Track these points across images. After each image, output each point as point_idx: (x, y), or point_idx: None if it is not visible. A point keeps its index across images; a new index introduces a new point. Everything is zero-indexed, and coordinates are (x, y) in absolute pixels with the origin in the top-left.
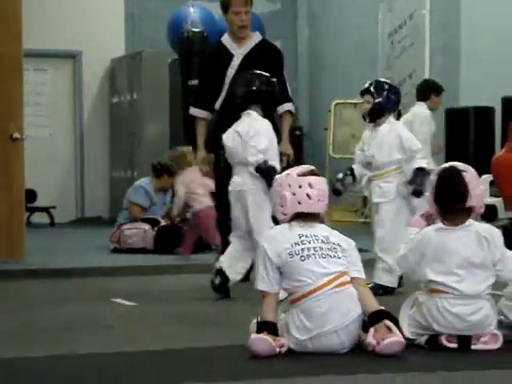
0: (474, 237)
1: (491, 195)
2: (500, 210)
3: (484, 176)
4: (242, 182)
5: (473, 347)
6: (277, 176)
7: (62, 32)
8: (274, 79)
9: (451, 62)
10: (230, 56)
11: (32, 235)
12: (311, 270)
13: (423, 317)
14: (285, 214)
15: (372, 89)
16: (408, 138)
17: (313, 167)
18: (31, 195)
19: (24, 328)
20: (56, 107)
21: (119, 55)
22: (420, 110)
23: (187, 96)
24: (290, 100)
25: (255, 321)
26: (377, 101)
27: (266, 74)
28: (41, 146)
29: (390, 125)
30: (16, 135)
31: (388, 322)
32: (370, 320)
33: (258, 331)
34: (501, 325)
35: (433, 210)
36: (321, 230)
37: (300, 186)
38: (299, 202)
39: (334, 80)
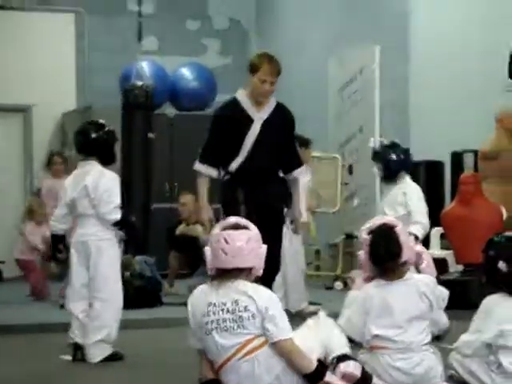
0: (414, 290)
1: (442, 248)
2: (450, 262)
3: (434, 229)
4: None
5: None
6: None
7: (12, 86)
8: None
9: (401, 117)
10: (251, 120)
11: None
12: (215, 344)
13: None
14: (211, 269)
15: (378, 154)
16: (409, 198)
17: (239, 220)
18: None
19: None
20: (6, 161)
21: (70, 109)
22: None
23: (129, 150)
24: (301, 165)
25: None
26: (385, 163)
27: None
28: None
29: (403, 184)
30: None
31: (328, 379)
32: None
33: None
34: (451, 379)
35: (368, 269)
36: (234, 291)
37: (217, 241)
38: (216, 257)
39: None
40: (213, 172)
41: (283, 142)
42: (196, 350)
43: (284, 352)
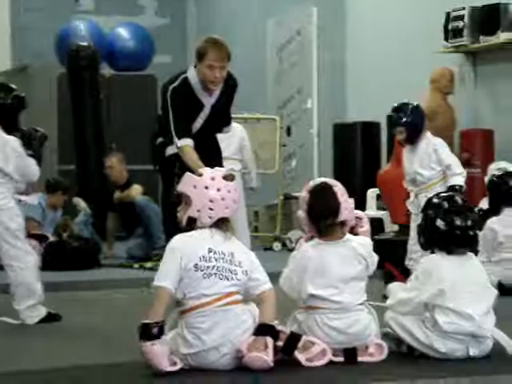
0: (351, 251)
1: (378, 208)
2: (386, 222)
3: (370, 190)
4: None
5: (359, 359)
6: (196, 176)
7: None
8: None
9: (338, 79)
10: (201, 106)
11: None
12: (207, 287)
13: (305, 334)
14: (210, 217)
15: (397, 118)
16: (441, 152)
17: (230, 171)
18: None
19: None
20: None
21: (5, 69)
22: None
23: (80, 111)
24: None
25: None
26: (407, 125)
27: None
28: None
29: (427, 140)
30: None
31: (267, 339)
32: (255, 331)
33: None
34: (387, 337)
35: (308, 227)
36: (230, 244)
37: (229, 191)
38: (226, 207)
39: None
40: (192, 142)
41: (227, 108)
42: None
43: (267, 301)
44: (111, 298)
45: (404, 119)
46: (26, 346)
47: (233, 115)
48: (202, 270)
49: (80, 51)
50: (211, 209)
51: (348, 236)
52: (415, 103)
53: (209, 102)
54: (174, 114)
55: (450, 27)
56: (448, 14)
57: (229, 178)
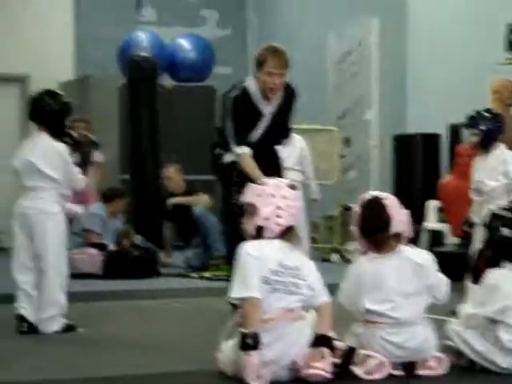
0: (407, 263)
1: (438, 221)
2: (446, 235)
3: (431, 201)
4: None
5: (419, 373)
6: (257, 185)
7: (9, 55)
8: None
9: (398, 89)
10: (260, 115)
11: None
12: (273, 302)
13: (363, 348)
14: (278, 225)
15: (476, 121)
16: (510, 165)
17: (293, 182)
18: None
19: None
20: (3, 131)
21: (67, 79)
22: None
23: (137, 122)
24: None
25: (229, 345)
26: (484, 130)
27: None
28: None
29: (500, 151)
30: None
31: (324, 350)
32: (312, 342)
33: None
34: (448, 350)
35: (361, 241)
36: (295, 256)
37: (294, 199)
38: (293, 215)
39: None
40: (250, 151)
41: (286, 118)
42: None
43: (325, 312)
44: (170, 307)
45: (481, 125)
46: (91, 354)
47: (296, 126)
48: (269, 284)
49: (138, 62)
50: (279, 216)
51: (403, 247)
52: (496, 111)
53: (268, 110)
54: (235, 122)
55: (510, 39)
56: (509, 25)
57: (292, 187)
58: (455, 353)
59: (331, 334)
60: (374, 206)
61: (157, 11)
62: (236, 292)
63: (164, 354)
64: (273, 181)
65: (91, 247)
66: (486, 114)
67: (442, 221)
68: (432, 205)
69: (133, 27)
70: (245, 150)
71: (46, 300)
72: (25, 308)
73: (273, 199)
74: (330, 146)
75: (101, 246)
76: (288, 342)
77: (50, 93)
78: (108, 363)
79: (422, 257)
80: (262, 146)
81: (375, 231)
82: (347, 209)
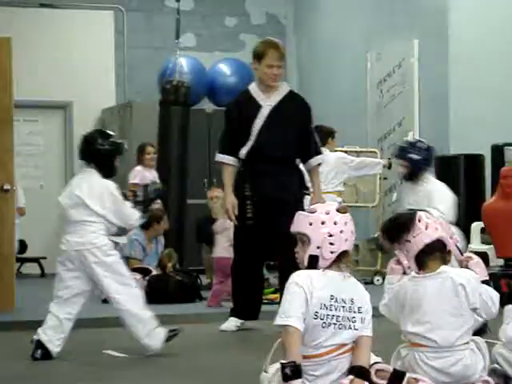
0: (449, 283)
1: (482, 242)
2: (490, 256)
3: (475, 223)
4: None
5: None
6: (308, 213)
7: (53, 82)
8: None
9: (440, 111)
10: (259, 107)
11: (22, 286)
12: (326, 338)
13: (406, 370)
14: (332, 253)
15: (402, 152)
16: (436, 197)
17: (343, 205)
18: (22, 246)
19: (16, 380)
20: (47, 158)
21: (110, 105)
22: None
23: (166, 147)
24: (320, 152)
25: (271, 370)
26: (410, 162)
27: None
28: (32, 197)
29: (428, 184)
30: (6, 186)
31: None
32: (353, 372)
33: (287, 378)
34: (494, 373)
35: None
36: (351, 288)
37: (346, 223)
38: (346, 240)
39: None
40: (234, 161)
41: (297, 129)
42: (285, 328)
43: (365, 345)
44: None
45: (409, 155)
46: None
47: (335, 148)
48: (321, 319)
49: (169, 86)
50: (332, 243)
51: (444, 267)
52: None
53: (267, 103)
54: (226, 128)
55: None
56: None
57: (342, 210)
58: (502, 376)
59: (377, 359)
60: (402, 214)
61: (196, 36)
62: (277, 320)
63: (212, 379)
64: (322, 207)
65: (133, 271)
66: (416, 145)
67: (486, 242)
68: (476, 226)
69: (173, 53)
70: (224, 160)
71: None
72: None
73: (323, 226)
74: None
75: (144, 271)
76: (338, 375)
77: (101, 132)
78: None
79: (465, 276)
80: (268, 151)
81: (396, 233)
82: None
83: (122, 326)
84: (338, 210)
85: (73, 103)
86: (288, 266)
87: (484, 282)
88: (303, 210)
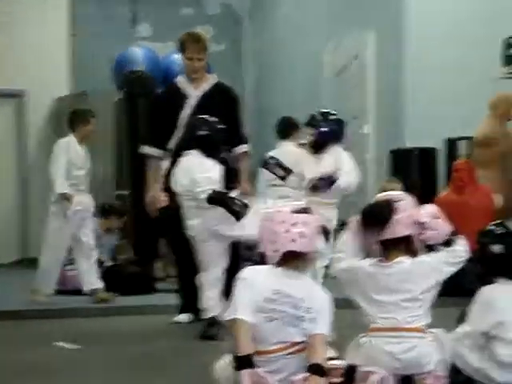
0: (407, 270)
1: None
2: None
3: None
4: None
5: None
6: (265, 211)
7: (5, 71)
8: (221, 125)
9: (396, 104)
10: (185, 97)
11: None
12: (270, 333)
13: (363, 360)
14: (275, 251)
15: (312, 121)
16: (340, 165)
17: (305, 205)
18: None
19: None
20: None
21: (64, 94)
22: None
23: (134, 137)
24: (246, 142)
25: (225, 360)
26: (318, 132)
27: (213, 119)
28: None
29: (333, 155)
30: None
31: (321, 380)
32: (310, 369)
33: (239, 368)
34: (446, 366)
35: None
36: (300, 286)
37: (294, 224)
38: (293, 240)
39: None
40: (158, 152)
41: (224, 119)
42: (234, 321)
43: (320, 343)
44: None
45: (320, 126)
46: (88, 373)
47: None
48: (265, 313)
49: (133, 77)
50: (273, 241)
51: (402, 258)
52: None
53: (194, 93)
54: (151, 119)
55: (508, 53)
56: (506, 39)
57: (300, 211)
58: (453, 369)
59: (331, 353)
60: (383, 199)
61: (152, 27)
62: (226, 315)
63: (162, 373)
64: (283, 206)
65: None
66: (328, 117)
67: None
68: None
69: (128, 43)
70: (146, 151)
71: None
72: None
73: (269, 224)
74: None
75: (97, 262)
76: (289, 373)
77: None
78: (104, 381)
79: (421, 262)
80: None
81: (375, 218)
82: (344, 223)
83: (70, 316)
84: (293, 211)
85: (26, 92)
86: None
87: (452, 233)
88: (233, 200)
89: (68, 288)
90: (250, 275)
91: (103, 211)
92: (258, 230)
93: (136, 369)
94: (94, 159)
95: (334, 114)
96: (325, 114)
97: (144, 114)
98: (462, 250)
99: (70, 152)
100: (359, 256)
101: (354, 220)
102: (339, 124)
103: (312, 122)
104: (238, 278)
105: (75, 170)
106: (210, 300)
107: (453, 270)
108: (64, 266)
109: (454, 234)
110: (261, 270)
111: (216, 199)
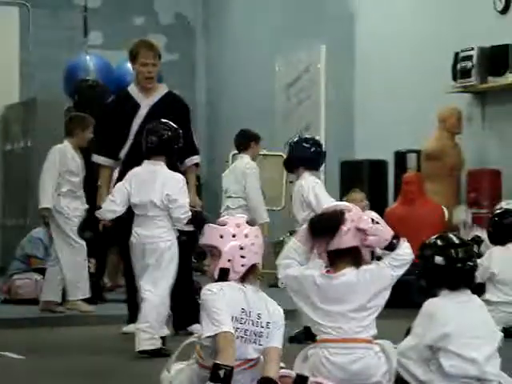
0: (353, 282)
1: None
2: None
3: None
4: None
5: None
6: (219, 226)
7: None
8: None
9: (346, 117)
10: (137, 106)
11: None
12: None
13: (310, 371)
14: (243, 266)
15: (289, 143)
16: (308, 197)
17: (246, 217)
18: None
19: None
20: None
21: (13, 102)
22: (246, 161)
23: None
24: (197, 153)
25: (166, 372)
26: (289, 154)
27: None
28: None
29: (303, 181)
30: None
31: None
32: (258, 382)
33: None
34: (399, 381)
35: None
36: (261, 302)
37: (256, 236)
38: (256, 253)
39: (231, 131)
40: (110, 162)
41: None
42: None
43: (274, 357)
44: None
45: (289, 148)
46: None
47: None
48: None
49: (84, 86)
50: (243, 256)
51: (347, 269)
52: (315, 141)
53: (145, 102)
54: (102, 128)
55: (458, 67)
56: (457, 54)
57: (252, 223)
58: (400, 381)
59: (281, 365)
60: (331, 210)
61: (104, 35)
62: (207, 331)
63: (105, 382)
64: (232, 219)
65: (34, 272)
66: (302, 143)
67: None
68: None
69: (80, 51)
70: (96, 160)
71: None
72: None
73: (235, 239)
74: (278, 171)
75: (45, 271)
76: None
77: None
78: None
79: (364, 273)
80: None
81: (323, 228)
82: (294, 234)
83: (15, 326)
84: (248, 223)
85: None
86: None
87: (394, 237)
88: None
89: (15, 297)
90: (219, 290)
91: (45, 220)
92: (216, 245)
93: (82, 379)
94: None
95: (311, 142)
96: (301, 140)
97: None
98: (405, 252)
99: (67, 158)
100: (306, 264)
101: (302, 228)
102: (312, 153)
103: (286, 145)
104: (207, 294)
105: (71, 177)
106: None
107: (399, 273)
108: (11, 276)
109: (396, 237)
110: (226, 288)
111: (195, 222)
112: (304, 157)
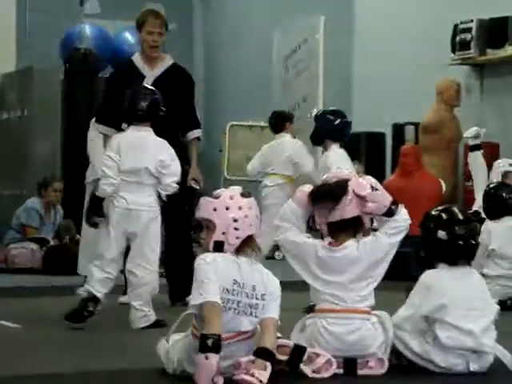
0: (354, 253)
1: None
2: None
3: None
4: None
5: (360, 372)
6: (213, 199)
7: None
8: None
9: (344, 88)
10: (142, 77)
11: None
12: (225, 322)
13: (308, 341)
14: (237, 238)
15: (314, 116)
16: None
17: (241, 188)
18: None
19: None
20: None
21: (9, 70)
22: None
23: (73, 114)
24: (199, 126)
25: (164, 341)
26: (315, 127)
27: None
28: None
29: (331, 152)
30: None
31: (267, 364)
32: (257, 353)
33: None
34: (395, 354)
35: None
36: (255, 273)
37: (250, 208)
38: (251, 225)
39: (229, 102)
40: (109, 131)
41: (179, 101)
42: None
43: (270, 328)
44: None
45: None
46: (25, 351)
47: (238, 123)
48: (222, 303)
49: (76, 54)
50: (237, 228)
51: (350, 241)
52: (340, 114)
53: (150, 74)
54: (106, 97)
55: (457, 39)
56: (456, 26)
57: (246, 195)
58: (395, 352)
59: (278, 335)
60: (336, 180)
61: (101, 4)
62: (194, 299)
63: (100, 353)
64: (226, 192)
65: (30, 241)
66: (326, 115)
67: None
68: None
69: (77, 19)
70: (103, 130)
71: None
72: None
73: (228, 212)
74: None
75: (41, 241)
76: (237, 356)
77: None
78: (43, 361)
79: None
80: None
81: (324, 198)
82: None
83: (12, 295)
84: (242, 195)
85: None
86: (174, 242)
87: (392, 203)
88: (185, 183)
89: (12, 266)
90: (213, 260)
91: (39, 187)
92: (211, 219)
93: (77, 348)
94: (41, 136)
95: (335, 115)
96: (325, 113)
97: (85, 92)
98: (402, 218)
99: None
100: (304, 228)
101: (301, 191)
102: (337, 125)
103: (315, 117)
104: (199, 263)
105: None
106: None
107: (395, 240)
108: (7, 245)
109: (395, 203)
110: (219, 259)
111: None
112: (330, 129)
